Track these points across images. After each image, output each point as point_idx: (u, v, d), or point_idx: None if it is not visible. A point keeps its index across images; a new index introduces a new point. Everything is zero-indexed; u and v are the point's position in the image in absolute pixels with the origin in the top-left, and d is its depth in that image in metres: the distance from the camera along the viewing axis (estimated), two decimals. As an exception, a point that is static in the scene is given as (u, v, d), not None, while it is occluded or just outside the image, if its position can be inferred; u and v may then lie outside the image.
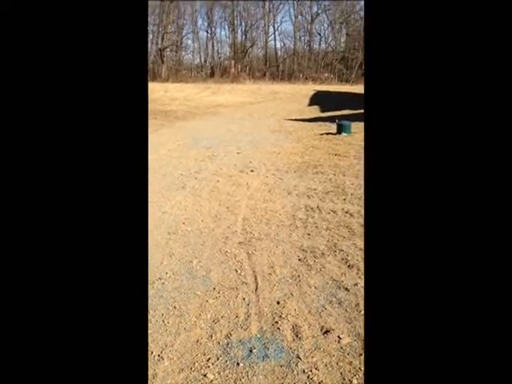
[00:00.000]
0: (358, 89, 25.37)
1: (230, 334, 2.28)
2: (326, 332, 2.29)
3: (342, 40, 41.87)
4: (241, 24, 40.60)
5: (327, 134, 9.52)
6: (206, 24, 41.41)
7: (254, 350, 2.14)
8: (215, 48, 41.29)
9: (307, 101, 19.45)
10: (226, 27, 41.95)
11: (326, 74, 38.86)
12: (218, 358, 2.10)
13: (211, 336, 2.27)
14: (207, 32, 41.06)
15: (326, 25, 42.19)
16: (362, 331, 2.29)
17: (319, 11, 40.68)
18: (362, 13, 40.83)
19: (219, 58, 41.46)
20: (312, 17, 40.65)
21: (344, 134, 9.16)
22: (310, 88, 26.57)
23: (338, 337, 2.25)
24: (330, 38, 42.05)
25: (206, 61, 41.46)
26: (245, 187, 5.22)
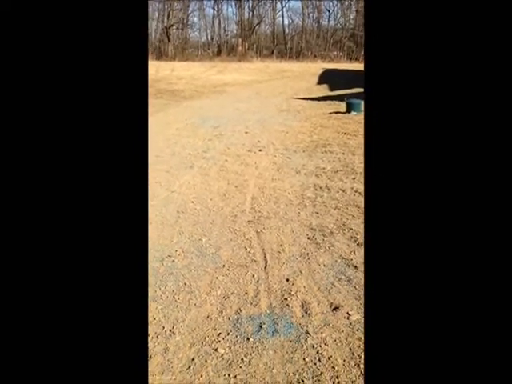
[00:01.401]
0: (368, 67, 24.86)
1: (240, 310, 2.31)
2: (335, 308, 2.31)
3: (352, 16, 40.97)
4: (248, 0, 39.81)
5: (336, 112, 9.42)
6: (212, 1, 40.66)
7: (263, 326, 2.17)
8: (222, 25, 40.66)
9: (316, 79, 19.18)
10: (233, 4, 41.21)
11: (335, 52, 38.20)
12: (228, 333, 2.13)
13: (221, 312, 2.30)
14: (214, 9, 40.44)
15: (335, 1, 41.23)
16: (370, 308, 2.31)
17: (328, -14, 39.71)
18: (373, -12, 39.67)
19: (226, 35, 40.86)
20: (321, -8, 39.69)
21: (353, 113, 9.05)
22: (319, 66, 26.18)
23: (347, 313, 2.27)
24: (339, 15, 41.17)
25: (212, 39, 40.89)
26: (253, 166, 5.21)
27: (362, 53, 35.52)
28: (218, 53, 37.30)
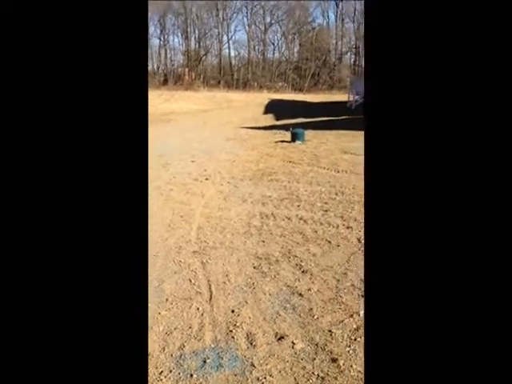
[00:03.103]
0: (311, 97, 26.01)
1: (184, 346, 2.24)
2: (280, 338, 2.30)
3: (296, 50, 42.88)
4: (194, 32, 40.57)
5: (282, 141, 9.66)
6: (158, 31, 40.98)
7: (207, 361, 2.11)
8: (168, 55, 40.97)
9: (262, 109, 19.67)
10: (179, 35, 41.66)
11: (280, 83, 39.57)
12: (170, 371, 2.05)
13: (164, 348, 2.22)
14: (160, 39, 40.69)
15: (279, 35, 43.03)
16: (315, 335, 2.32)
17: (272, 21, 41.46)
18: (314, 24, 42.09)
19: (172, 65, 41.15)
20: (265, 27, 41.35)
21: (298, 142, 9.34)
22: (265, 96, 26.92)
23: (292, 342, 2.27)
24: (284, 48, 42.92)
25: (158, 68, 40.99)
26: (199, 196, 5.18)
27: (306, 84, 37.10)
28: (165, 82, 37.36)
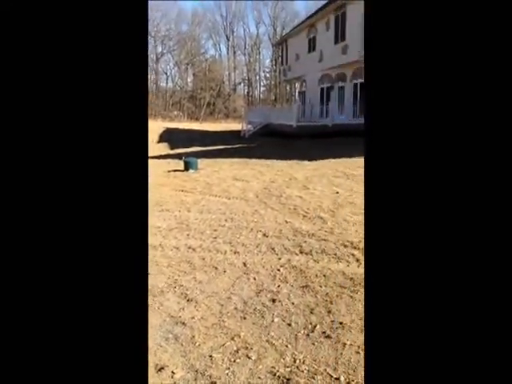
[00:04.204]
0: (207, 126, 26.49)
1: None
2: (160, 369, 2.31)
3: (189, 80, 43.54)
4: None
5: (175, 170, 9.67)
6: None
7: (81, 404, 2.03)
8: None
9: (156, 138, 19.47)
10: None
11: (176, 112, 39.69)
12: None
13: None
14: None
15: (171, 64, 43.40)
16: (195, 362, 2.37)
17: (164, 51, 41.74)
18: (207, 55, 43.28)
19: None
20: (157, 56, 41.43)
21: (191, 171, 9.44)
22: (160, 125, 26.70)
23: (172, 372, 2.29)
24: (177, 78, 43.32)
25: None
26: (83, 230, 4.94)
27: (202, 113, 37.73)
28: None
